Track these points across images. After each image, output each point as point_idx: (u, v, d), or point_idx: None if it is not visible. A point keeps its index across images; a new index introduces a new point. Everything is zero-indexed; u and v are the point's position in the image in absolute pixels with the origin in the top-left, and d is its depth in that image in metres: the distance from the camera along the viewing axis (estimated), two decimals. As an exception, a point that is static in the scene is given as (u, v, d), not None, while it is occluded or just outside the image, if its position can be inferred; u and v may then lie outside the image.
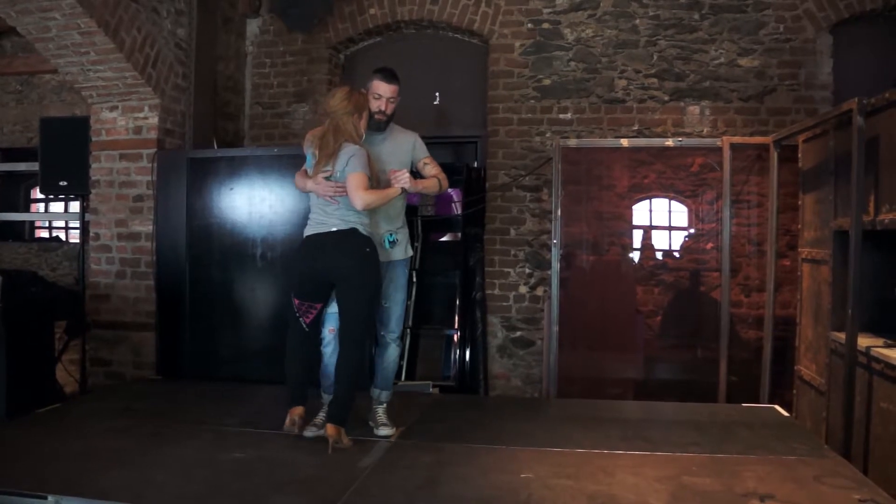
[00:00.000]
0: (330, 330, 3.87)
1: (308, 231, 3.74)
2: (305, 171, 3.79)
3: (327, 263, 3.64)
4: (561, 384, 5.46)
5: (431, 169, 3.94)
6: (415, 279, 6.19)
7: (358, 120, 3.69)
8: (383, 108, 3.82)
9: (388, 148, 3.90)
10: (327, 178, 3.62)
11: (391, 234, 3.88)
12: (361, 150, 3.62)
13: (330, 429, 3.61)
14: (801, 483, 3.14)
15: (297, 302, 3.76)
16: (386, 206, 3.80)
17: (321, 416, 3.86)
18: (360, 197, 3.51)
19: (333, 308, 3.82)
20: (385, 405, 3.98)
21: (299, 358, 3.81)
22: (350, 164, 3.55)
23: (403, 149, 3.93)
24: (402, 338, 4.09)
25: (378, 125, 3.85)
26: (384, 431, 3.86)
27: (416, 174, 3.96)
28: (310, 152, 3.74)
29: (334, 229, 3.63)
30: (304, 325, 3.77)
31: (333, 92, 3.78)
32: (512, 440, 3.79)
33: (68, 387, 5.55)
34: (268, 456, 3.51)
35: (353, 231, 3.62)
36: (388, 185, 3.73)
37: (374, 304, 3.78)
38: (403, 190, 3.71)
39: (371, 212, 3.73)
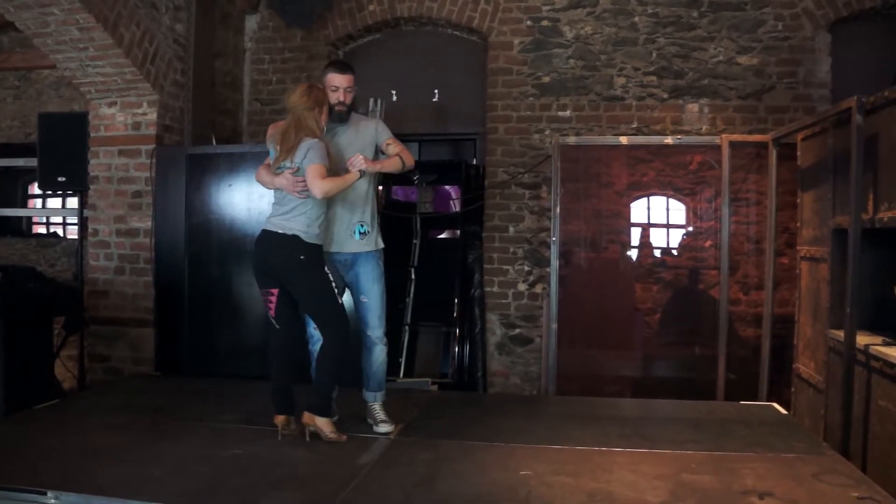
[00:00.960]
0: (315, 327, 3.89)
1: (265, 225, 3.77)
2: (269, 166, 3.82)
3: (270, 264, 3.69)
4: (559, 382, 5.47)
5: (394, 148, 3.93)
6: (413, 276, 6.19)
7: (318, 115, 3.71)
8: (342, 98, 3.84)
9: (352, 136, 3.92)
10: (293, 174, 3.64)
11: (361, 226, 3.88)
12: (320, 142, 3.65)
13: (305, 416, 3.65)
14: (800, 480, 3.14)
15: (261, 292, 3.79)
16: (348, 196, 3.82)
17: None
18: (318, 185, 3.53)
19: None
20: (381, 402, 3.98)
21: (281, 364, 3.80)
22: (308, 156, 3.59)
23: (367, 135, 3.94)
24: (387, 335, 3.98)
25: (340, 116, 3.87)
26: (384, 428, 3.86)
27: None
28: (272, 147, 3.78)
29: (280, 232, 3.66)
30: (273, 321, 3.76)
31: (293, 88, 3.81)
32: (511, 437, 3.79)
33: (66, 383, 5.54)
34: (266, 453, 3.51)
35: (294, 238, 3.64)
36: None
37: (330, 299, 3.71)
38: (362, 173, 3.69)
39: (331, 206, 3.78)
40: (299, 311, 3.82)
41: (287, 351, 3.82)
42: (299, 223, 3.65)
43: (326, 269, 3.72)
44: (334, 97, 3.82)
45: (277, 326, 3.78)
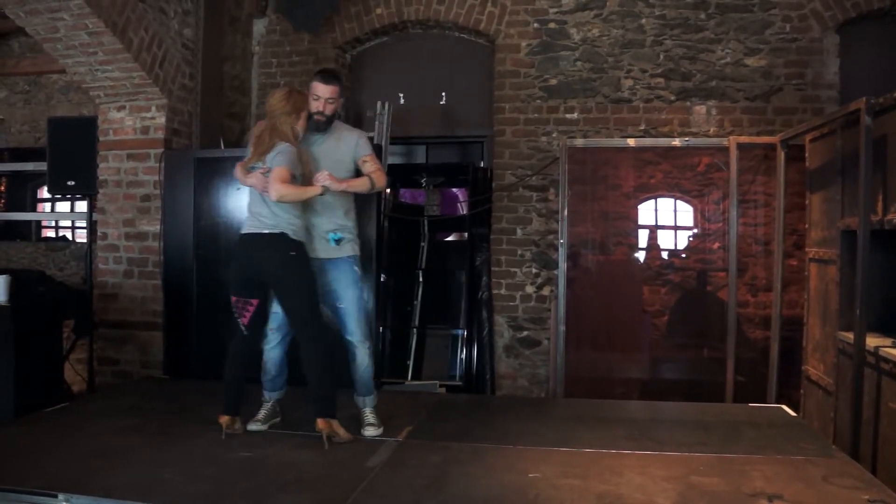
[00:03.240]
0: (270, 329, 3.92)
1: (244, 229, 3.79)
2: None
3: (257, 265, 3.69)
4: (567, 384, 5.47)
5: (370, 166, 3.89)
6: (421, 279, 6.20)
7: (295, 120, 3.73)
8: (321, 108, 3.82)
9: (331, 147, 3.90)
10: (264, 175, 3.67)
11: (336, 233, 3.87)
12: (291, 147, 3.67)
13: (320, 423, 3.65)
14: (810, 483, 3.13)
15: (233, 299, 3.78)
16: (319, 204, 3.83)
17: (262, 412, 3.95)
18: (276, 188, 3.54)
19: (276, 307, 3.86)
20: (372, 407, 3.96)
21: (239, 367, 3.82)
22: (276, 159, 3.61)
23: (345, 147, 3.91)
24: (370, 338, 3.97)
25: (317, 125, 3.86)
26: (370, 432, 3.85)
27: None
28: (249, 147, 3.83)
29: (265, 231, 3.67)
30: (243, 328, 3.78)
31: (273, 92, 3.84)
32: (519, 440, 3.79)
33: (76, 386, 5.57)
34: (275, 455, 3.52)
35: (282, 235, 3.66)
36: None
37: (315, 298, 3.75)
38: (325, 189, 3.65)
39: (311, 211, 3.81)
40: (278, 310, 3.85)
41: (248, 356, 3.86)
42: (284, 220, 3.67)
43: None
44: (315, 106, 3.82)
45: (246, 333, 3.81)
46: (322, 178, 3.66)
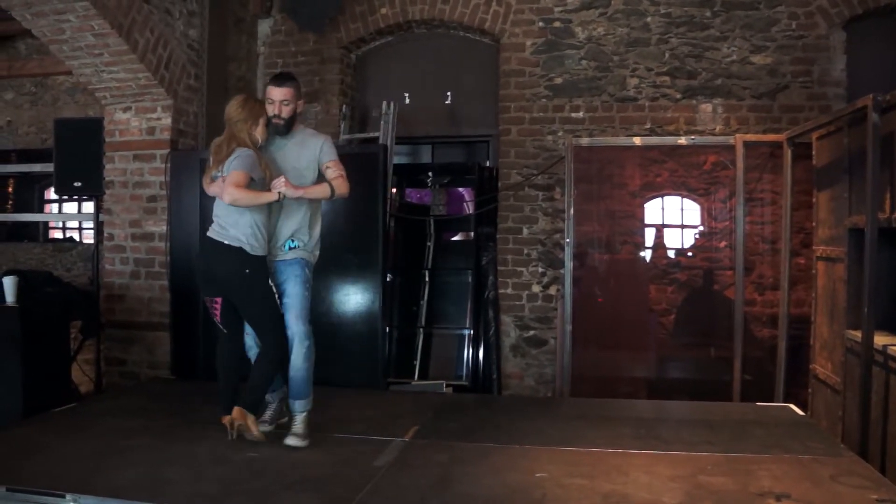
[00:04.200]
0: (248, 334, 3.94)
1: (209, 233, 3.79)
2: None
3: (214, 273, 3.73)
4: (574, 383, 5.46)
5: (332, 172, 3.84)
6: (427, 279, 6.20)
7: (253, 127, 3.72)
8: (277, 111, 3.79)
9: (294, 151, 3.86)
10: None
11: (292, 240, 3.85)
12: (250, 152, 3.66)
13: (236, 412, 3.66)
14: (818, 482, 3.12)
15: (205, 299, 3.85)
16: (290, 211, 3.82)
17: (268, 412, 3.96)
18: (229, 192, 3.54)
19: None
20: (304, 414, 3.74)
21: (228, 367, 3.86)
22: (233, 164, 3.62)
23: (308, 152, 3.86)
24: (309, 339, 3.77)
25: (277, 129, 3.83)
26: (291, 441, 3.67)
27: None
28: (210, 157, 3.84)
29: (226, 242, 3.67)
30: (220, 326, 3.83)
31: (230, 100, 3.84)
32: (525, 439, 3.78)
33: (83, 386, 5.59)
34: (281, 455, 3.52)
35: (239, 250, 3.66)
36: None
37: (273, 307, 3.73)
38: (281, 196, 3.63)
39: (274, 217, 3.79)
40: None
41: (234, 354, 3.88)
42: (243, 234, 3.65)
43: (270, 280, 3.75)
44: (271, 110, 3.79)
45: (225, 331, 3.84)
46: (278, 185, 3.64)
